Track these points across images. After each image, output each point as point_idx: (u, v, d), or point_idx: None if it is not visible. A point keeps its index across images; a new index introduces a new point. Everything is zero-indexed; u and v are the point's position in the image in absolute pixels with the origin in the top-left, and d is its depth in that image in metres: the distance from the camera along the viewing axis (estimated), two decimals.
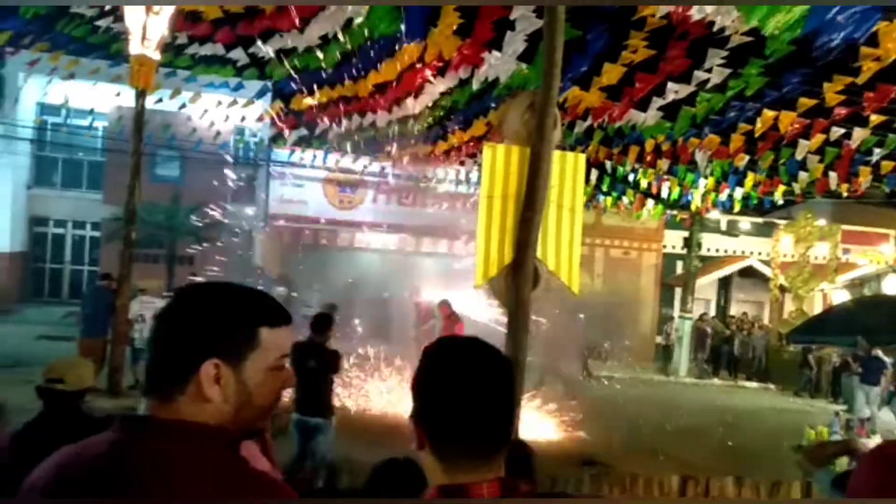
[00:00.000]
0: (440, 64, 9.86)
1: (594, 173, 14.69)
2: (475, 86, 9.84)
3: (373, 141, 13.68)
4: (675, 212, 19.16)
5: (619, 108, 9.94)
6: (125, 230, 10.11)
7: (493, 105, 11.26)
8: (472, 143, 12.42)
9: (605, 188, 16.34)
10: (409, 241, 17.70)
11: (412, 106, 11.10)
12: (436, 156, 13.64)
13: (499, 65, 9.22)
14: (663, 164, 13.93)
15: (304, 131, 13.57)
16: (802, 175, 12.36)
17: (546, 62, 3.65)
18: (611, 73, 8.85)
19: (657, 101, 9.57)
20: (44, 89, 14.65)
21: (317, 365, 5.33)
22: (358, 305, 13.35)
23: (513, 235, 3.55)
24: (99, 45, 10.92)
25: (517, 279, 3.57)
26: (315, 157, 15.91)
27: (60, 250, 17.88)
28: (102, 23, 10.02)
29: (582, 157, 3.76)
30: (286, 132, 13.77)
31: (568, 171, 3.64)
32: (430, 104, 11.10)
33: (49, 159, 17.74)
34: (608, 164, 14.47)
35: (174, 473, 1.01)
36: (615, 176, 15.37)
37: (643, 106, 9.82)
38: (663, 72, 8.65)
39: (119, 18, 9.23)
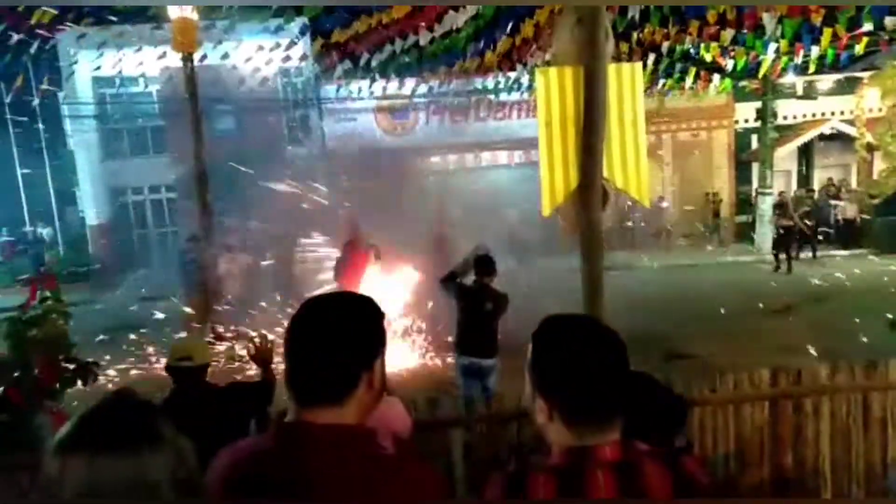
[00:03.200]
0: None
1: (651, 57, 13.95)
2: None
3: (418, 62, 13.39)
4: (744, 83, 17.98)
5: None
6: (199, 190, 10.55)
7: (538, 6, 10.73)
8: (522, 48, 11.96)
9: (662, 70, 15.48)
10: (468, 159, 17.58)
11: (454, 19, 10.73)
12: (486, 66, 13.24)
13: None
14: (728, 34, 13.03)
15: (348, 64, 13.42)
16: (890, 20, 11.30)
17: None
18: None
19: None
20: (95, 63, 15.00)
21: (492, 308, 5.27)
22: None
23: (576, 159, 3.49)
24: (139, 12, 11.04)
25: (585, 202, 3.54)
26: (361, 88, 15.78)
27: (143, 216, 18.87)
28: None
29: (639, 66, 3.59)
30: (331, 67, 13.67)
31: (626, 83, 3.49)
32: (472, 14, 10.68)
33: (114, 131, 18.43)
34: (666, 45, 13.67)
35: (354, 472, 1.20)
36: (673, 56, 14.52)
37: None
38: None
39: None
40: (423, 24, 10.91)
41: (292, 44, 12.70)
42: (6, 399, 3.12)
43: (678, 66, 15.47)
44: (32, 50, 11.74)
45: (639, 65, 3.67)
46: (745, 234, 18.83)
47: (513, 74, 15.07)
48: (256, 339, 3.49)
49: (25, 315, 3.50)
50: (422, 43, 11.97)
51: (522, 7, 11.30)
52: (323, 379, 1.24)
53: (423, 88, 16.04)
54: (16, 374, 3.31)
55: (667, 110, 18.55)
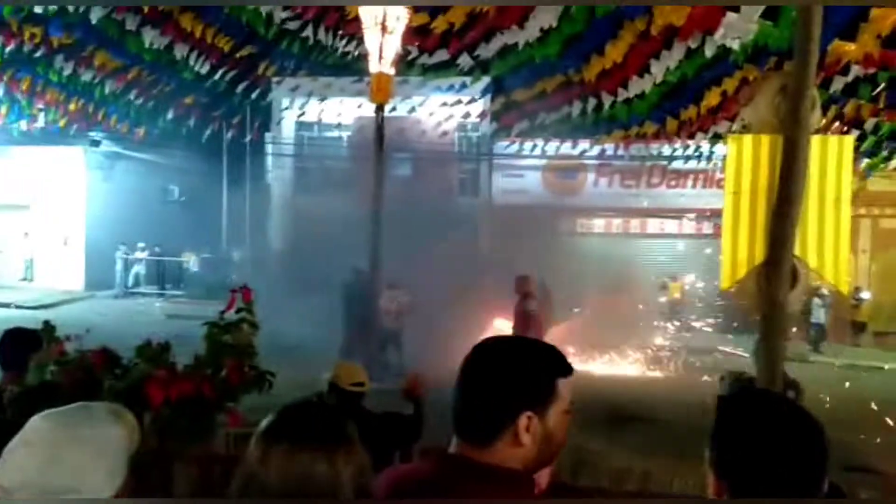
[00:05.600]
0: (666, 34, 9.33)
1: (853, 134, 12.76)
2: (708, 52, 9.10)
3: (596, 124, 13.41)
4: None
5: None
6: (372, 228, 11.27)
7: (728, 73, 10.38)
8: (706, 117, 11.55)
9: (865, 148, 14.07)
10: (635, 224, 17.11)
11: (639, 84, 10.64)
12: (666, 133, 12.93)
13: (736, 26, 8.39)
14: None
15: (525, 123, 13.81)
16: None
17: (800, 35, 3.27)
18: (884, 19, 7.61)
19: None
20: (300, 109, 16.80)
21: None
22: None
23: (764, 232, 3.27)
24: (344, 67, 12.31)
25: (772, 280, 3.28)
26: (535, 146, 16.09)
27: (323, 245, 20.49)
28: (347, 47, 11.26)
29: (849, 140, 3.33)
30: (508, 125, 14.18)
31: (831, 157, 3.23)
32: (657, 80, 10.52)
33: (307, 169, 20.38)
34: (872, 121, 12.47)
35: None
36: (879, 134, 13.17)
37: None
38: None
39: (360, 42, 10.29)
40: (608, 87, 10.93)
41: (472, 101, 13.39)
42: (201, 392, 3.52)
43: (884, 145, 14.01)
44: (251, 95, 13.57)
45: (850, 138, 3.40)
46: None
47: (692, 142, 14.55)
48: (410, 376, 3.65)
49: (222, 321, 3.95)
50: (605, 106, 11.97)
51: (709, 75, 10.97)
52: (468, 418, 1.26)
53: (594, 150, 16.02)
54: (209, 372, 3.75)
55: (867, 193, 16.74)
